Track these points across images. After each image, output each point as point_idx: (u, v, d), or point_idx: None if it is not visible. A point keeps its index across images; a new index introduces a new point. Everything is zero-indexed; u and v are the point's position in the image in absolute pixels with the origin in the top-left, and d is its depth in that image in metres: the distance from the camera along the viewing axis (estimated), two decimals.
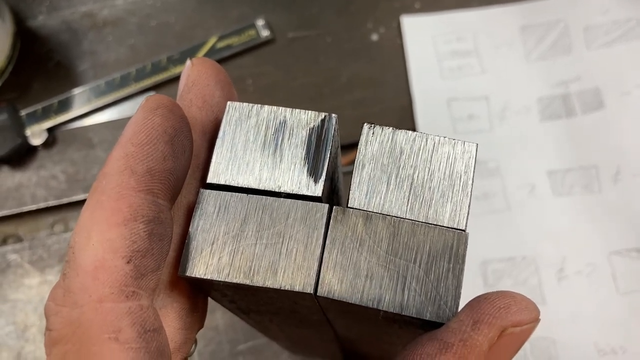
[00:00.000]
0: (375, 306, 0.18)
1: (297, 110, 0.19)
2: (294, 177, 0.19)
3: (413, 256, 0.18)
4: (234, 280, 0.18)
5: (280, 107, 0.19)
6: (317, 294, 0.18)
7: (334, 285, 0.18)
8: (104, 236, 0.16)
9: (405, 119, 0.46)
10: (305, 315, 0.22)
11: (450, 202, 0.19)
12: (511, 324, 0.17)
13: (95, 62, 0.49)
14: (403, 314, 0.18)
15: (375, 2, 0.49)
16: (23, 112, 0.46)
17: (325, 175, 0.19)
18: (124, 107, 0.47)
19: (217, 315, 0.42)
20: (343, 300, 0.18)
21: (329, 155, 0.19)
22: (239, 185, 0.19)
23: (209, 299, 0.22)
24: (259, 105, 0.20)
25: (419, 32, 0.48)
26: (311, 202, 0.19)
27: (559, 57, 0.46)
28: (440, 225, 0.18)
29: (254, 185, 0.19)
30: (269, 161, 0.19)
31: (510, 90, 0.46)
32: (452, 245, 0.18)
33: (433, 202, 0.19)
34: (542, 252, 0.42)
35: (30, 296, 0.43)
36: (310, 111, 0.19)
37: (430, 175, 0.19)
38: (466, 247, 0.18)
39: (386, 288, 0.18)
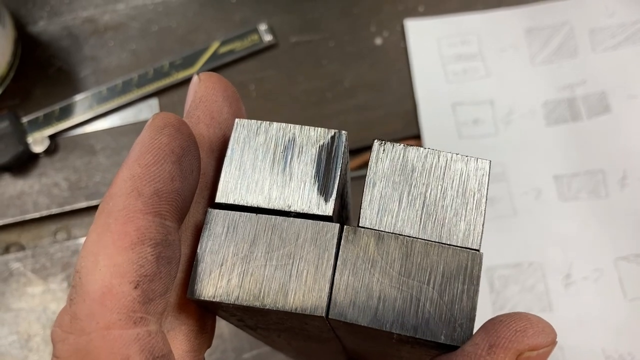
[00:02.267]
0: (388, 329, 0.17)
1: (306, 127, 0.19)
2: (304, 196, 0.18)
3: (427, 277, 0.18)
4: (244, 303, 0.18)
5: (290, 125, 0.19)
6: (329, 317, 0.18)
7: (346, 307, 0.18)
8: (111, 261, 0.16)
9: (409, 124, 0.45)
10: (314, 333, 0.22)
11: (464, 221, 0.18)
12: (528, 347, 0.16)
13: (96, 68, 0.48)
14: (417, 337, 0.17)
15: (378, 5, 0.49)
16: (24, 119, 0.46)
17: (336, 194, 0.18)
18: (126, 114, 0.47)
19: (223, 323, 0.42)
20: (355, 323, 0.17)
21: (339, 173, 0.18)
22: (248, 205, 0.18)
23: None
24: (268, 122, 0.19)
25: (423, 35, 0.47)
26: (321, 222, 0.18)
27: (565, 60, 0.46)
28: (454, 245, 0.18)
29: (263, 204, 0.18)
30: (278, 179, 0.19)
31: (515, 94, 0.46)
32: (467, 266, 0.18)
33: (446, 221, 0.18)
34: (549, 257, 0.42)
35: (34, 305, 0.43)
36: (319, 128, 0.19)
37: (443, 193, 0.18)
38: (481, 267, 0.18)
39: (399, 310, 0.17)
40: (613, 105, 0.44)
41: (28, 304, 0.43)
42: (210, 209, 0.19)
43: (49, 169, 0.46)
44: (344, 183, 0.20)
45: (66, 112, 0.46)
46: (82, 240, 0.44)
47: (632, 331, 0.40)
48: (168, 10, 0.50)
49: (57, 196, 0.45)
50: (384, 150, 0.19)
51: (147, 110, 0.47)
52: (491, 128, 0.45)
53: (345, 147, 0.19)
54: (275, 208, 0.18)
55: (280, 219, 0.18)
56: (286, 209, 0.18)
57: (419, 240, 0.18)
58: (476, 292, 0.18)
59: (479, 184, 0.19)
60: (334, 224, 0.18)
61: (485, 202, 0.18)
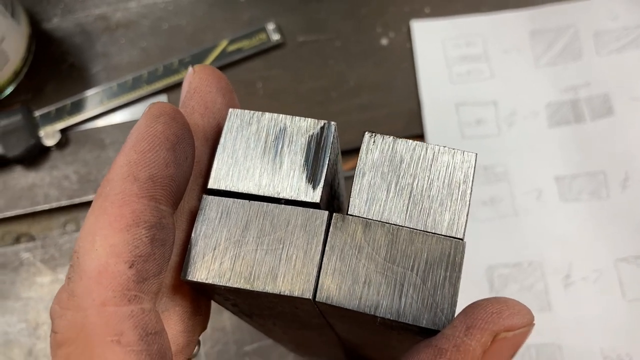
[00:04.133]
0: (372, 312, 0.18)
1: (297, 117, 0.20)
2: (293, 184, 0.19)
3: (411, 264, 0.18)
4: (235, 285, 0.18)
5: (281, 115, 0.20)
6: (316, 300, 0.18)
7: (333, 291, 0.18)
8: (107, 241, 0.17)
9: (413, 124, 0.46)
10: (306, 319, 0.23)
11: (449, 211, 0.19)
12: (503, 328, 0.17)
13: (107, 65, 0.49)
14: (400, 320, 0.18)
15: (384, 6, 0.49)
16: (37, 113, 0.47)
17: (324, 182, 0.19)
18: (136, 109, 0.48)
19: (225, 316, 0.42)
20: (341, 306, 0.18)
21: (327, 162, 0.19)
22: (239, 191, 0.19)
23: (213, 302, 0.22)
24: (260, 112, 0.20)
25: (428, 36, 0.48)
26: (311, 209, 0.19)
27: (569, 62, 0.46)
28: (438, 234, 0.19)
29: (253, 191, 0.19)
30: (268, 167, 0.19)
31: (518, 95, 0.46)
32: (450, 254, 0.18)
33: (432, 210, 0.19)
34: (549, 257, 0.42)
35: (42, 294, 0.44)
36: (310, 119, 0.20)
37: (430, 184, 0.19)
38: (463, 255, 0.18)
39: (383, 295, 0.18)
40: (616, 107, 0.45)
41: (37, 293, 0.44)
42: (205, 195, 0.19)
43: (59, 162, 0.47)
44: (333, 173, 0.21)
45: (77, 107, 0.48)
46: None
47: (630, 332, 0.40)
48: (178, 9, 0.51)
49: (67, 189, 0.46)
50: (374, 141, 0.20)
51: None
52: (494, 129, 0.45)
53: (334, 138, 0.20)
54: (265, 195, 0.19)
55: (272, 205, 0.19)
56: (275, 195, 0.19)
57: (405, 228, 0.19)
58: (458, 278, 0.18)
59: (464, 175, 0.19)
60: (323, 211, 0.19)
61: (470, 194, 0.19)
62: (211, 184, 0.19)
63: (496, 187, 0.44)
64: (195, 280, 0.19)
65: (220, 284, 0.19)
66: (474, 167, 0.19)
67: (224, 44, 0.48)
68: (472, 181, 0.19)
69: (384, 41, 0.48)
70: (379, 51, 0.48)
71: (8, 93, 0.49)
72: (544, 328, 0.41)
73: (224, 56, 0.48)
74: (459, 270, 0.18)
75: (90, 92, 0.48)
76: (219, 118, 0.21)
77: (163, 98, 0.48)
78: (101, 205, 0.17)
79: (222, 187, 0.19)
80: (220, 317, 0.42)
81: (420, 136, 0.46)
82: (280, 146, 0.19)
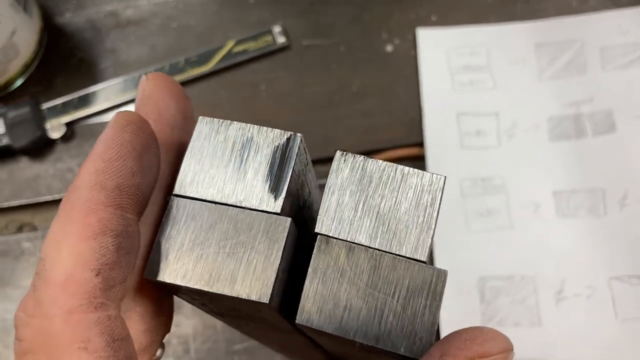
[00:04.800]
0: (351, 337, 0.18)
1: (264, 128, 0.20)
2: (256, 193, 0.19)
3: (392, 290, 0.19)
4: (195, 286, 0.19)
5: (249, 125, 0.20)
6: (296, 322, 0.19)
7: (313, 314, 0.19)
8: (74, 249, 0.17)
9: (413, 131, 0.46)
10: (274, 323, 0.23)
11: (414, 233, 0.19)
12: (477, 354, 0.17)
13: (116, 61, 0.50)
14: (378, 346, 0.18)
15: (391, 13, 0.49)
16: (44, 106, 0.48)
17: (286, 193, 0.19)
18: None
19: None
20: (320, 329, 0.18)
21: (291, 173, 0.19)
22: (203, 198, 0.20)
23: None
24: (229, 121, 0.20)
25: (433, 44, 0.48)
26: (275, 216, 0.19)
27: (573, 76, 0.46)
28: (403, 256, 0.19)
29: (217, 199, 0.20)
30: (233, 176, 0.20)
31: (520, 107, 0.46)
32: (431, 282, 0.19)
33: (398, 232, 0.19)
34: (542, 272, 0.42)
35: None
36: (277, 130, 0.20)
37: (397, 205, 0.19)
38: (444, 285, 0.19)
39: (364, 320, 0.18)
40: (619, 124, 0.44)
41: None
42: (172, 197, 0.20)
43: (64, 155, 0.48)
44: (300, 183, 0.21)
45: (84, 102, 0.48)
46: None
47: (620, 352, 0.40)
48: (188, 8, 0.51)
49: (70, 181, 0.47)
50: (344, 160, 0.20)
51: None
52: (494, 140, 0.45)
53: (300, 149, 0.20)
54: (228, 203, 0.19)
55: (237, 210, 0.19)
56: (237, 204, 0.19)
57: (388, 254, 0.19)
58: (438, 307, 0.18)
59: (432, 198, 0.19)
60: (286, 218, 0.19)
61: (437, 217, 0.19)
62: (176, 190, 0.20)
63: (493, 199, 0.44)
64: (158, 279, 0.19)
65: (182, 285, 0.19)
66: (442, 190, 0.19)
67: (230, 44, 0.49)
68: (439, 204, 0.19)
69: (389, 48, 0.49)
70: (383, 57, 0.48)
71: (18, 85, 0.50)
72: (534, 343, 0.41)
73: (230, 57, 0.49)
74: (440, 299, 0.18)
75: (97, 87, 0.49)
76: (173, 124, 0.21)
77: None
78: (68, 213, 0.18)
79: (187, 194, 0.20)
80: (212, 316, 0.43)
81: (420, 144, 0.46)
82: (246, 155, 0.20)
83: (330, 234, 0.19)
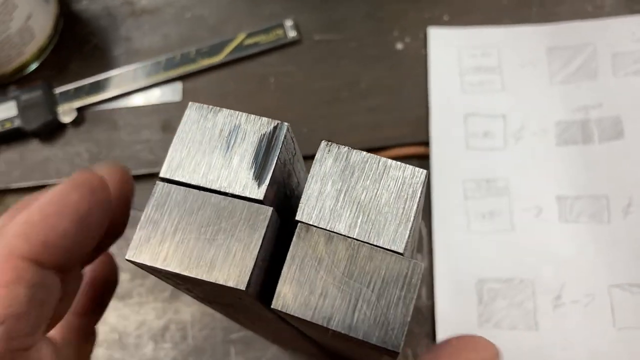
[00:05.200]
0: (325, 325, 0.18)
1: (252, 115, 0.20)
2: (240, 180, 0.20)
3: (368, 280, 0.19)
4: (175, 270, 0.19)
5: (237, 112, 0.20)
6: (272, 307, 0.19)
7: (289, 300, 0.19)
8: None
9: (419, 130, 0.46)
10: (258, 311, 0.23)
11: (393, 225, 0.19)
12: None
13: (129, 48, 0.51)
14: (350, 335, 0.18)
15: (404, 11, 0.49)
16: (57, 91, 0.49)
17: (270, 180, 0.20)
18: (151, 94, 0.49)
19: None
20: (295, 315, 0.19)
21: (275, 161, 0.20)
22: (187, 182, 0.20)
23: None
24: (218, 107, 0.21)
25: (444, 44, 0.48)
26: (257, 205, 0.19)
27: (584, 81, 0.46)
28: (380, 247, 0.19)
29: (202, 183, 0.20)
30: (218, 162, 0.20)
31: (529, 110, 0.46)
32: (407, 274, 0.19)
33: (377, 222, 0.19)
34: (541, 276, 0.42)
35: None
36: (264, 118, 0.20)
37: (378, 197, 0.19)
38: (420, 277, 0.19)
39: (338, 308, 0.19)
40: (627, 131, 0.44)
41: None
42: (158, 182, 0.20)
43: (73, 139, 0.48)
44: (285, 173, 0.21)
45: (96, 88, 0.49)
46: None
47: None
48: None
49: (78, 165, 0.48)
50: (329, 150, 0.20)
51: (171, 93, 0.49)
52: (500, 142, 0.45)
53: (287, 138, 0.20)
54: (212, 188, 0.20)
55: (220, 197, 0.20)
56: (221, 189, 0.20)
57: (366, 245, 0.19)
58: (412, 299, 0.19)
59: (412, 191, 0.19)
60: (267, 207, 0.19)
61: (416, 210, 0.19)
62: (163, 173, 0.20)
63: (496, 201, 0.44)
64: (138, 261, 0.19)
65: (161, 268, 0.19)
66: (423, 184, 0.20)
67: (241, 37, 0.49)
68: (420, 197, 0.19)
69: (399, 45, 0.49)
70: (394, 55, 0.48)
71: (32, 69, 0.50)
72: (529, 347, 0.41)
73: (241, 49, 0.49)
74: (414, 292, 0.19)
75: (109, 74, 0.49)
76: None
77: (178, 85, 0.49)
78: None
79: (173, 177, 0.20)
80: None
81: (425, 143, 0.46)
82: (232, 142, 0.20)
83: (311, 222, 0.19)
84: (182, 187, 0.20)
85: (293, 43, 0.49)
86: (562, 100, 0.45)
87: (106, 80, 0.49)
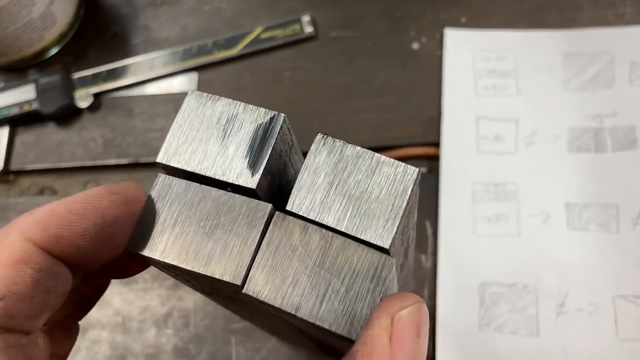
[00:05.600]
0: (292, 312, 0.19)
1: (250, 105, 0.21)
2: (235, 168, 0.20)
3: (338, 272, 0.19)
4: (173, 262, 0.20)
5: (236, 101, 0.21)
6: (243, 291, 0.19)
7: (260, 285, 0.19)
8: None
9: (430, 131, 0.46)
10: (256, 305, 0.24)
11: (381, 220, 0.19)
12: (395, 309, 0.18)
13: (147, 38, 0.51)
14: (317, 324, 0.19)
15: (422, 11, 0.49)
16: (75, 76, 0.50)
17: (264, 170, 0.20)
18: (167, 84, 0.50)
19: None
20: (265, 301, 0.19)
21: (270, 151, 0.20)
22: (182, 168, 0.20)
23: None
24: (217, 96, 0.21)
25: (460, 46, 0.48)
26: (256, 201, 0.20)
27: (599, 89, 0.45)
28: (366, 242, 0.19)
29: (197, 170, 0.20)
30: (214, 150, 0.20)
31: (542, 116, 0.45)
32: (377, 268, 0.19)
33: (365, 217, 0.19)
34: (546, 283, 0.42)
35: None
36: (262, 108, 0.20)
37: (369, 192, 0.20)
38: (390, 271, 0.19)
39: (307, 297, 0.19)
40: None
41: None
42: (160, 174, 0.21)
43: (89, 124, 0.49)
44: (281, 164, 0.21)
45: (113, 75, 0.50)
46: None
47: None
48: None
49: (92, 150, 0.49)
50: (324, 143, 0.20)
51: (187, 82, 0.50)
52: (511, 146, 0.45)
53: (283, 129, 0.20)
54: (206, 175, 0.20)
55: (221, 192, 0.20)
56: (215, 177, 0.20)
57: (340, 237, 0.19)
58: (380, 293, 0.19)
59: (403, 188, 0.20)
60: (267, 204, 0.20)
61: (405, 207, 0.19)
62: (160, 159, 0.20)
63: (504, 205, 0.44)
64: (138, 252, 0.20)
65: (160, 260, 0.20)
66: (414, 182, 0.20)
67: (258, 30, 0.50)
68: (410, 195, 0.20)
69: (415, 45, 0.48)
70: (409, 55, 0.48)
71: (52, 54, 0.51)
72: (529, 353, 0.40)
73: (257, 42, 0.49)
74: (383, 285, 0.19)
75: (127, 62, 0.50)
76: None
77: (194, 76, 0.50)
78: (5, 231, 0.18)
79: (169, 163, 0.20)
80: None
81: (435, 144, 0.46)
82: (229, 130, 0.20)
83: (300, 213, 0.20)
84: (184, 181, 0.20)
85: (309, 39, 0.49)
86: (576, 107, 0.45)
87: (124, 67, 0.50)
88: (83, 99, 0.49)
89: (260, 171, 0.20)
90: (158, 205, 0.20)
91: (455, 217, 0.44)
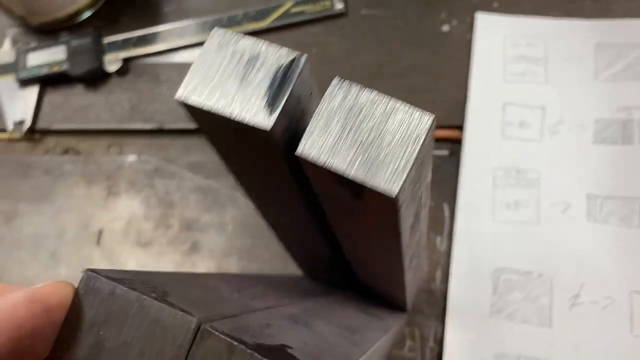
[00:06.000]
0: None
1: (272, 44, 0.20)
2: (252, 108, 0.20)
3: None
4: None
5: (260, 40, 0.21)
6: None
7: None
8: None
9: (455, 114, 0.45)
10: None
11: (392, 166, 0.19)
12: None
13: (179, 6, 0.52)
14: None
15: None
16: (106, 40, 0.50)
17: (281, 111, 0.20)
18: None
19: (232, 261, 0.44)
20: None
21: (288, 94, 0.20)
22: (200, 106, 0.20)
23: None
24: (241, 34, 0.21)
25: (491, 30, 0.47)
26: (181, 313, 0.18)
27: (630, 81, 0.44)
28: (375, 186, 0.19)
29: (213, 108, 0.20)
30: (233, 89, 0.20)
31: (569, 105, 0.44)
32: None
33: (376, 162, 0.19)
34: (561, 273, 0.41)
35: (74, 205, 0.47)
36: (284, 48, 0.20)
37: (382, 137, 0.19)
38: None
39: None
40: None
41: (70, 203, 0.47)
42: (86, 272, 0.19)
43: (116, 88, 0.50)
44: (301, 110, 0.21)
45: (143, 41, 0.50)
46: (130, 157, 0.48)
47: None
48: None
49: (117, 114, 0.49)
50: (340, 87, 0.20)
51: None
52: (536, 134, 0.44)
53: (304, 72, 0.20)
54: (223, 114, 0.20)
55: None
56: (231, 116, 0.20)
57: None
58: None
59: (416, 136, 0.19)
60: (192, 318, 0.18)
61: (417, 154, 0.19)
62: (178, 95, 0.20)
63: (524, 192, 0.43)
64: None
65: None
66: (428, 130, 0.19)
67: (288, 4, 0.50)
68: (424, 143, 0.19)
69: (445, 28, 0.48)
70: (438, 37, 0.48)
71: (85, 17, 0.52)
72: (540, 343, 0.40)
73: (287, 16, 0.49)
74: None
75: (157, 29, 0.51)
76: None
77: None
78: None
79: (187, 100, 0.20)
80: (228, 260, 0.44)
81: (459, 127, 0.45)
82: (250, 70, 0.20)
83: (310, 157, 0.19)
84: (111, 282, 0.19)
85: (339, 15, 0.49)
86: (605, 99, 0.44)
87: (154, 34, 0.50)
88: (112, 63, 0.50)
89: (277, 112, 0.20)
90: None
91: (474, 201, 0.43)
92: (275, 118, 0.20)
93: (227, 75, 0.20)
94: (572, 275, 0.41)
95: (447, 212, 0.43)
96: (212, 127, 0.22)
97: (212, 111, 0.20)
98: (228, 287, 0.25)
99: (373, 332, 0.30)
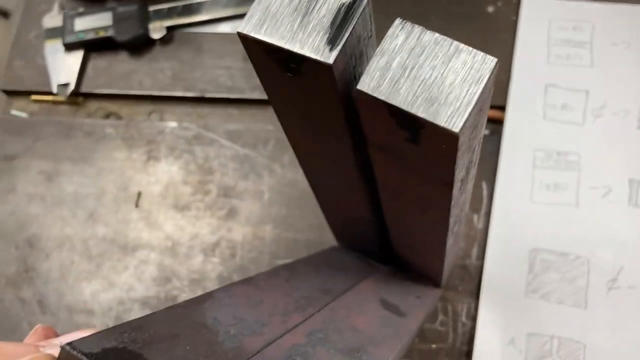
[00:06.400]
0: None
1: None
2: (313, 43, 0.20)
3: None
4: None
5: None
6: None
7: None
8: None
9: (497, 94, 0.45)
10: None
11: (453, 105, 0.19)
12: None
13: None
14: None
15: None
16: (151, 8, 0.51)
17: (342, 48, 0.20)
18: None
19: (267, 228, 0.44)
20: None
21: (350, 31, 0.20)
22: (260, 40, 0.20)
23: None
24: None
25: (537, 12, 0.47)
26: None
27: None
28: (436, 123, 0.19)
29: (276, 42, 0.20)
30: (295, 25, 0.20)
31: (614, 90, 0.44)
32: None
33: (437, 101, 0.19)
34: (599, 256, 0.40)
35: (114, 167, 0.48)
36: None
37: (444, 78, 0.19)
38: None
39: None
40: None
41: (110, 165, 0.48)
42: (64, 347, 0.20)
43: (159, 56, 0.50)
44: (359, 52, 0.21)
45: (188, 10, 0.51)
46: (171, 124, 0.48)
47: None
48: None
49: (160, 81, 0.50)
50: (402, 27, 0.20)
51: None
52: (579, 117, 0.44)
53: (365, 12, 0.20)
54: (284, 47, 0.20)
55: None
56: (292, 49, 0.20)
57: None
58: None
59: (479, 76, 0.19)
60: None
61: (479, 95, 0.19)
62: (240, 29, 0.21)
63: (564, 175, 0.43)
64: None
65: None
66: (492, 72, 0.19)
67: None
68: (485, 84, 0.19)
69: (490, 8, 0.48)
70: (483, 17, 0.48)
71: None
72: (574, 323, 0.39)
73: None
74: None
75: None
76: None
77: None
78: None
79: (248, 33, 0.20)
80: (262, 229, 0.44)
81: (501, 107, 0.45)
82: (312, 7, 0.20)
83: (370, 92, 0.20)
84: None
85: None
86: None
87: (198, 4, 0.51)
88: (156, 30, 0.50)
89: (339, 48, 0.20)
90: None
91: (513, 181, 0.43)
92: (336, 54, 0.20)
93: (290, 11, 0.21)
94: (610, 259, 0.40)
95: (485, 191, 0.43)
96: (269, 65, 0.22)
97: (273, 45, 0.20)
98: (228, 314, 0.25)
99: (384, 345, 0.29)
